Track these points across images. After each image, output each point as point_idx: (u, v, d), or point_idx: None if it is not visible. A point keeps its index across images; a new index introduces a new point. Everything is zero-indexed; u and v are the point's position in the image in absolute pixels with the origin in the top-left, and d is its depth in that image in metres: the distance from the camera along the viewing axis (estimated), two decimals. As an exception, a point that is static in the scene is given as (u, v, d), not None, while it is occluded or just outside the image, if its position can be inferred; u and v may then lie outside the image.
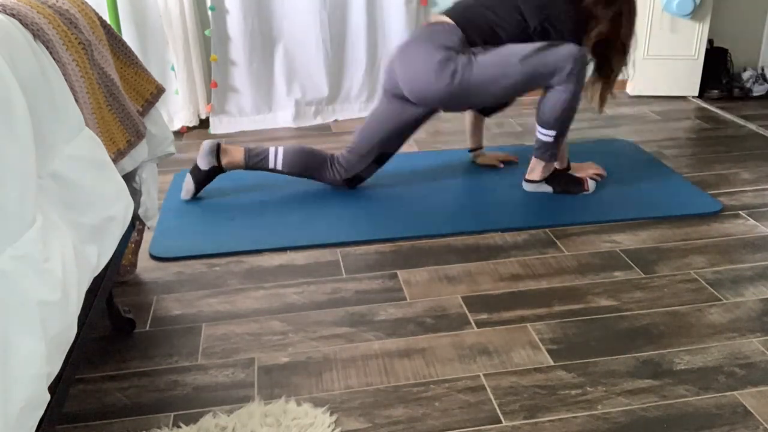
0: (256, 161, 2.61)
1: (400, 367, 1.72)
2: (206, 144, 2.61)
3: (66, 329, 1.17)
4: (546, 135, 2.51)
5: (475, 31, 2.45)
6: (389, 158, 2.68)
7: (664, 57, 3.71)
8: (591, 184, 2.63)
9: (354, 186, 2.69)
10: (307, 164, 2.62)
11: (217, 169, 2.61)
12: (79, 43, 1.58)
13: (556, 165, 2.65)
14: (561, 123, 2.47)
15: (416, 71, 2.42)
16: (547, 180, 2.63)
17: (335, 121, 3.59)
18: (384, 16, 3.54)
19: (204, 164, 2.60)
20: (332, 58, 3.54)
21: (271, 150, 2.62)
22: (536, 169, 2.61)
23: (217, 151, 2.60)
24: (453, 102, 2.47)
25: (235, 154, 2.61)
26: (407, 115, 2.55)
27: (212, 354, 1.79)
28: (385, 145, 2.61)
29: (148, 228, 2.09)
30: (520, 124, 3.44)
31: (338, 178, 2.64)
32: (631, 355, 1.74)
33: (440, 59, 2.38)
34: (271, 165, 2.61)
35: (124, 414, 1.59)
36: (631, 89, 3.83)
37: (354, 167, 2.62)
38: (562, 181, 2.63)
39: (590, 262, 2.18)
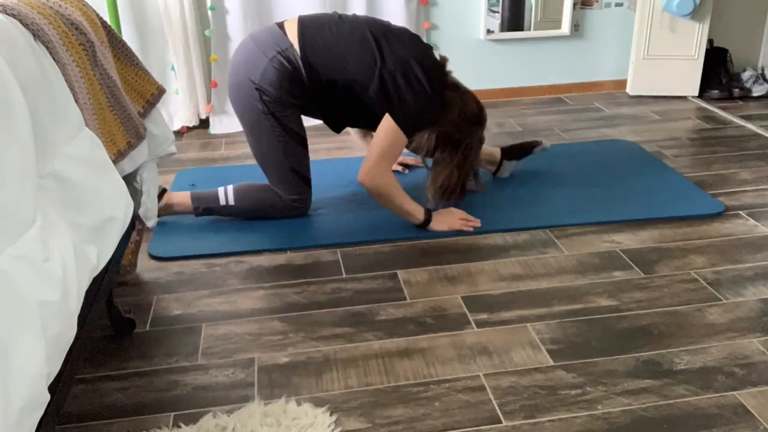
0: (203, 201, 2.44)
1: (400, 367, 1.72)
2: None
3: (66, 329, 1.17)
4: None
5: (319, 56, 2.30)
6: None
7: (664, 57, 3.72)
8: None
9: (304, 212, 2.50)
10: (260, 197, 2.45)
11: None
12: (80, 44, 1.58)
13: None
14: None
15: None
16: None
17: (335, 121, 3.58)
18: (384, 16, 3.54)
19: None
20: (332, 58, 3.54)
21: (220, 189, 2.46)
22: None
23: (160, 194, 2.39)
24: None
25: (179, 197, 2.46)
26: None
27: (212, 354, 1.79)
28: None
29: (149, 228, 2.10)
30: (520, 124, 3.45)
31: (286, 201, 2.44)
32: (631, 355, 1.74)
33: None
34: (222, 201, 2.44)
35: (124, 414, 1.59)
36: (631, 89, 3.83)
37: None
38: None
39: (590, 262, 2.18)
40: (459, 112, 2.35)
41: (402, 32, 2.36)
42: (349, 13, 3.49)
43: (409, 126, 2.28)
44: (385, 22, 2.39)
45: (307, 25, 2.35)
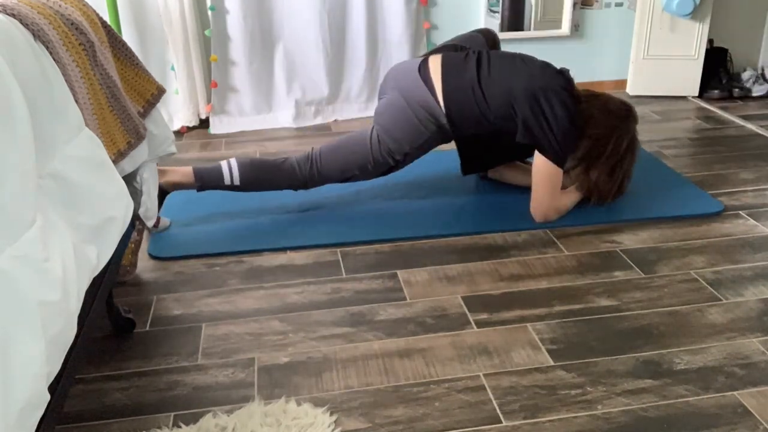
0: (207, 180, 2.41)
1: (400, 367, 1.72)
2: None
3: (66, 329, 1.17)
4: None
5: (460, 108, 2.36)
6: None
7: (664, 57, 3.71)
8: None
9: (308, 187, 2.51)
10: (270, 179, 2.44)
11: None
12: (80, 44, 1.58)
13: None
14: None
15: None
16: None
17: (335, 121, 3.59)
18: (384, 16, 3.54)
19: None
20: (332, 58, 3.54)
21: (224, 165, 2.41)
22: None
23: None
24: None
25: (181, 174, 2.40)
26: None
27: (212, 354, 1.79)
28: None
29: (148, 228, 2.10)
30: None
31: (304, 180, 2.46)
32: (631, 355, 1.74)
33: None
34: (227, 180, 2.40)
35: (124, 414, 1.59)
36: (631, 89, 3.83)
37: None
38: None
39: (590, 262, 2.18)
40: (602, 110, 2.40)
41: (529, 62, 2.38)
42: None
43: (562, 159, 2.34)
44: (514, 57, 2.40)
45: (449, 81, 2.36)
